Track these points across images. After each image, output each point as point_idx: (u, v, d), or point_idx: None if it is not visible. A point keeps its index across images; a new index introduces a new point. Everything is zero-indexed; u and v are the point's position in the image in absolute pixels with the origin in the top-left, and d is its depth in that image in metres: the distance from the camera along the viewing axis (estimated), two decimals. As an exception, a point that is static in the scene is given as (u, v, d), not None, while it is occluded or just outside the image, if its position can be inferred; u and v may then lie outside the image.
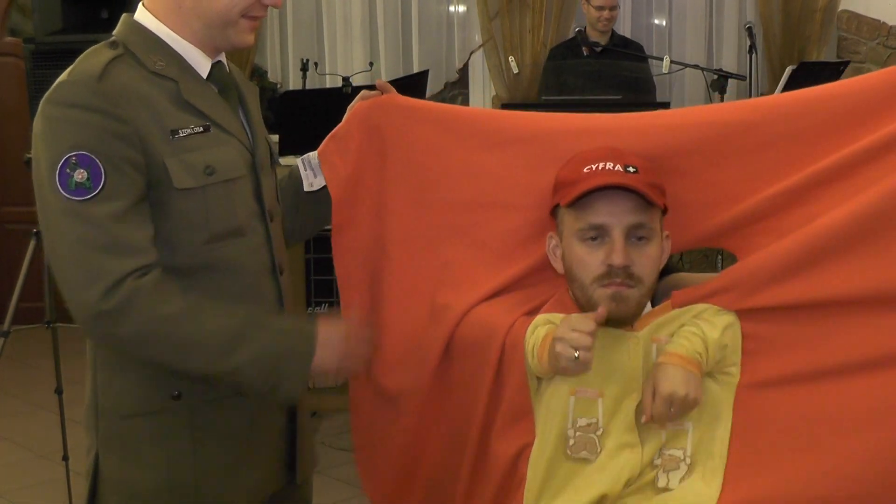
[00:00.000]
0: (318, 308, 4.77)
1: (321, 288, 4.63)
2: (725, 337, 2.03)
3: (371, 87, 2.42)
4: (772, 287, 2.00)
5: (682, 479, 2.00)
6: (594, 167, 2.06)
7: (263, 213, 2.16)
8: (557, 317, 2.10)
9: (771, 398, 2.01)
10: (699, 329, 2.02)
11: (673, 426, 2.03)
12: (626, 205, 2.04)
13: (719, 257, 5.11)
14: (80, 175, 1.89)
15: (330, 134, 2.38)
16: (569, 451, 2.04)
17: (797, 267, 1.98)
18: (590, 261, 2.06)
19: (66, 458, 4.44)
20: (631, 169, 2.05)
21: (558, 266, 2.16)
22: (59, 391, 4.44)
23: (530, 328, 2.11)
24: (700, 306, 2.06)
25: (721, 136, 2.14)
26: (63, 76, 1.99)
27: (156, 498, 2.08)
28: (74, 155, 1.90)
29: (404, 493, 2.44)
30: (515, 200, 2.28)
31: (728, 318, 2.04)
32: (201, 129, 2.05)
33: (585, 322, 1.96)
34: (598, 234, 2.05)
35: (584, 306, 2.08)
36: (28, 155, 4.00)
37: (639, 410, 2.02)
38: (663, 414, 1.96)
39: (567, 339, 1.95)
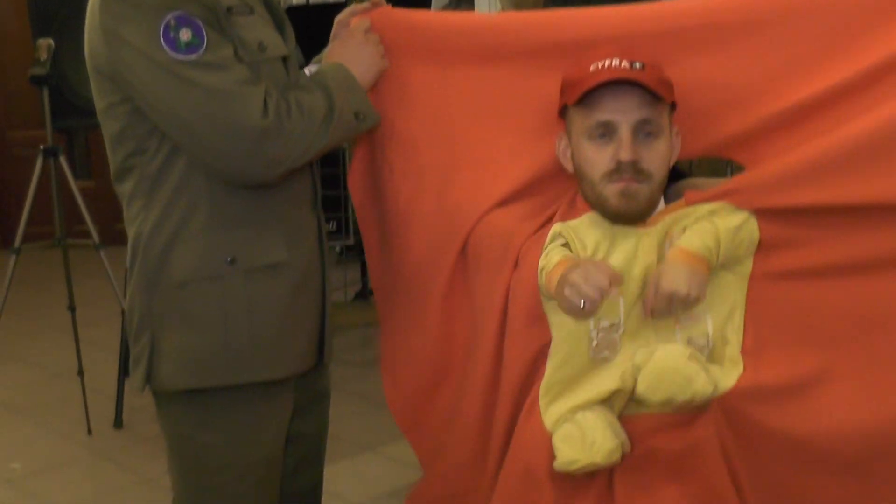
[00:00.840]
0: (326, 224, 4.80)
1: (329, 203, 4.64)
2: (741, 232, 2.03)
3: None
4: (788, 189, 1.99)
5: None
6: (600, 65, 2.05)
7: None
8: (572, 226, 2.11)
9: (783, 290, 2.02)
10: (712, 224, 2.03)
11: (687, 319, 2.05)
12: (632, 101, 2.03)
13: (729, 169, 5.09)
14: (185, 34, 1.98)
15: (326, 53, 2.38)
16: (592, 353, 2.07)
17: (815, 172, 1.96)
18: (598, 158, 2.06)
19: (80, 373, 4.51)
20: (637, 65, 2.04)
21: (569, 166, 2.17)
22: (71, 308, 4.49)
23: (547, 240, 2.13)
24: (715, 204, 2.06)
25: (729, 38, 2.10)
26: None
27: (212, 363, 2.17)
28: (172, 18, 1.97)
29: (428, 401, 2.45)
30: (523, 106, 2.27)
31: (743, 216, 2.04)
32: (248, 10, 2.13)
33: (600, 277, 1.96)
34: (605, 132, 2.05)
35: (594, 204, 2.09)
36: (33, 72, 4.09)
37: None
38: (663, 310, 1.98)
39: (579, 287, 1.97)
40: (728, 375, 1.99)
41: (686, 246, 2.01)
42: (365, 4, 2.38)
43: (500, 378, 2.20)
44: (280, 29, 2.25)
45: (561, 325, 2.09)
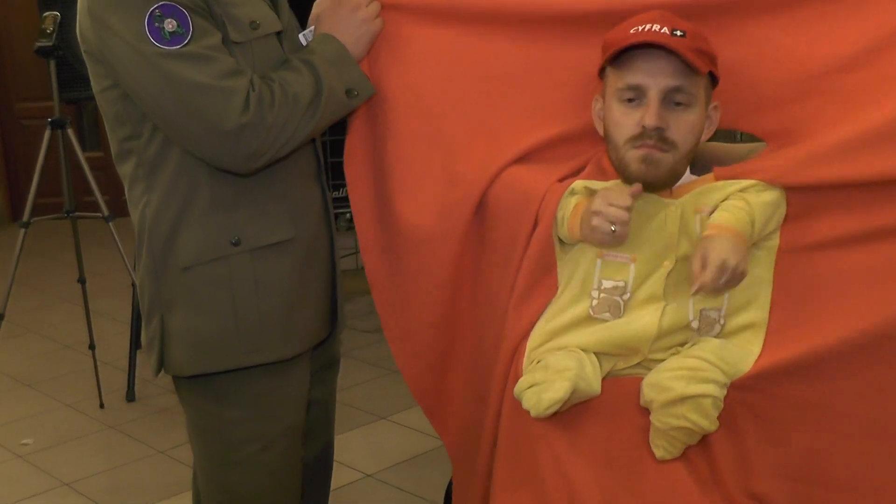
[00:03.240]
0: (336, 192, 4.76)
1: (337, 171, 4.60)
2: (773, 208, 2.01)
3: None
4: (817, 166, 1.97)
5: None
6: (640, 28, 2.02)
7: None
8: (594, 183, 2.09)
9: (813, 260, 1.99)
10: (745, 203, 1.99)
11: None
12: (665, 66, 2.01)
13: (738, 133, 5.06)
14: (170, 25, 1.97)
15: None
16: (591, 311, 2.05)
17: (843, 150, 1.95)
18: (625, 121, 2.04)
19: (92, 347, 4.50)
20: (678, 33, 2.01)
21: (601, 128, 2.15)
22: (81, 280, 4.48)
23: (566, 193, 2.10)
24: (746, 181, 2.03)
25: (743, 13, 2.10)
26: None
27: (223, 346, 2.16)
28: (157, 7, 1.96)
29: (444, 372, 2.41)
30: (521, 71, 2.24)
31: (775, 194, 2.01)
32: None
33: (622, 196, 1.96)
34: (635, 96, 2.03)
35: (617, 168, 2.07)
36: (40, 43, 4.07)
37: (672, 277, 2.02)
38: (714, 283, 1.93)
39: (604, 212, 1.96)
40: (744, 359, 1.97)
41: (722, 222, 1.97)
42: None
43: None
44: (274, 3, 2.22)
45: (568, 280, 2.09)
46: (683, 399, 1.89)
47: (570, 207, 2.07)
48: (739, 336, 2.01)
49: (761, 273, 2.02)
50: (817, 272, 1.99)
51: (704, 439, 1.95)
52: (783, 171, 2.01)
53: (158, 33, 1.96)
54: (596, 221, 1.97)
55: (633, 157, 2.03)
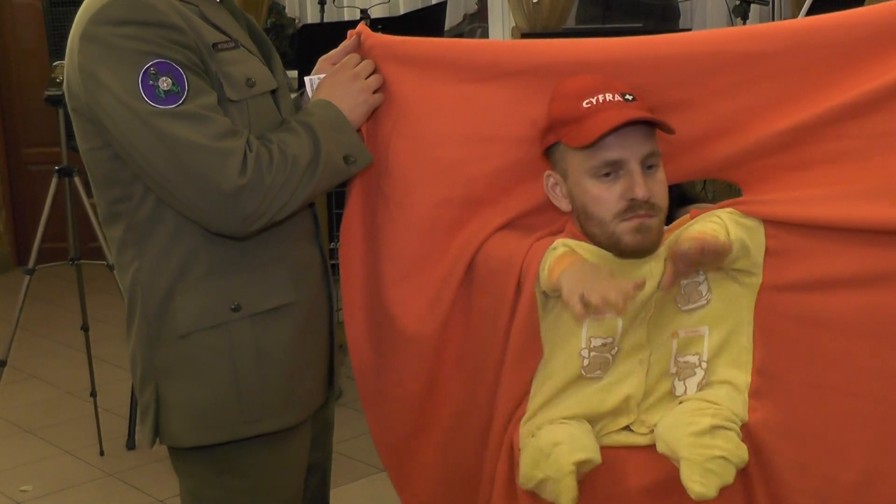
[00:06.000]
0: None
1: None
2: (747, 237, 1.98)
3: (380, 20, 2.36)
4: (796, 205, 1.97)
5: (700, 387, 1.98)
6: (593, 101, 2.00)
7: None
8: (580, 245, 2.05)
9: (794, 302, 1.97)
10: (718, 218, 1.98)
11: (686, 332, 2.01)
12: (637, 136, 1.99)
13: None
14: (164, 83, 1.92)
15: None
16: (583, 372, 2.02)
17: (824, 197, 1.95)
18: (607, 197, 2.01)
19: (93, 394, 4.50)
20: (629, 97, 2.00)
21: (562, 205, 2.11)
22: (85, 328, 4.49)
23: (549, 248, 2.06)
24: (721, 210, 2.03)
25: (727, 67, 2.07)
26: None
27: (223, 416, 2.10)
28: (152, 65, 1.91)
29: (418, 443, 2.39)
30: (517, 133, 2.20)
31: (751, 222, 2.00)
32: (233, 44, 2.08)
33: (621, 295, 1.87)
34: (612, 170, 2.01)
35: (605, 243, 2.04)
36: (49, 92, 4.10)
37: (653, 320, 2.01)
38: (693, 254, 1.90)
39: (603, 297, 1.88)
40: (743, 405, 1.96)
41: (696, 229, 1.97)
42: (353, 40, 2.29)
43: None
44: (268, 60, 2.20)
45: (553, 343, 2.07)
46: (713, 429, 1.88)
47: (557, 255, 2.03)
48: (727, 380, 1.99)
49: (741, 312, 2.01)
50: (799, 313, 1.97)
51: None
52: (761, 205, 2.01)
53: (153, 91, 1.90)
54: (596, 300, 1.87)
55: (624, 229, 2.00)
